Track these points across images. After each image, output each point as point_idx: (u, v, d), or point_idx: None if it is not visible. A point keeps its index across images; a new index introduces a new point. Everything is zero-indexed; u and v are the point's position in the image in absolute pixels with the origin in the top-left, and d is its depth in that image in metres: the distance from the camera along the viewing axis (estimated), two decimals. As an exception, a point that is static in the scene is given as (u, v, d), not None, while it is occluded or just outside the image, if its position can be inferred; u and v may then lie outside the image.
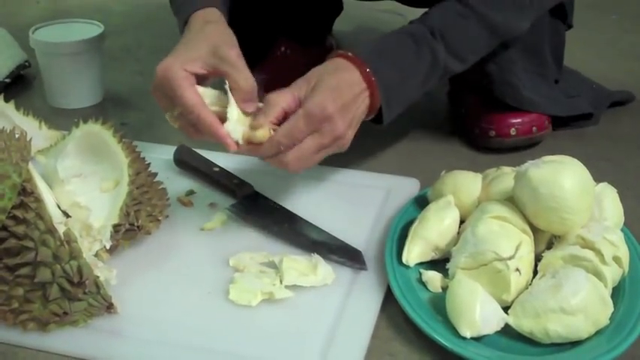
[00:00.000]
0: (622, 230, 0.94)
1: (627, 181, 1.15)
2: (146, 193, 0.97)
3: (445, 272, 0.91)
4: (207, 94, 0.95)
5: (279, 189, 1.10)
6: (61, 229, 0.83)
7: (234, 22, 1.13)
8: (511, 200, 0.93)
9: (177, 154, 1.16)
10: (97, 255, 0.91)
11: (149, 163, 1.02)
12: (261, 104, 0.95)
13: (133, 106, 1.41)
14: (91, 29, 1.40)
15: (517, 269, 0.86)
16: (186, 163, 1.15)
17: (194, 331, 0.86)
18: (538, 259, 0.90)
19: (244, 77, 0.95)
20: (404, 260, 0.93)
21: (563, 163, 0.89)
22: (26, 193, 0.83)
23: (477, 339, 0.83)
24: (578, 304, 0.81)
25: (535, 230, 0.91)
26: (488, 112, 1.25)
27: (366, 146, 1.23)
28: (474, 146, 1.27)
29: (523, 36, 1.17)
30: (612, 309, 0.84)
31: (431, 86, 1.07)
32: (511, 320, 0.83)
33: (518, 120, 1.23)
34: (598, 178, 0.94)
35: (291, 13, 1.42)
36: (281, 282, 0.91)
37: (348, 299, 0.90)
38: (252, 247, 0.99)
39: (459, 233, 0.95)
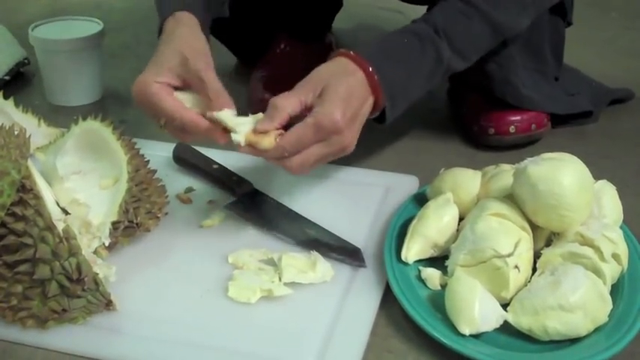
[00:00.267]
0: (621, 227, 0.94)
1: (626, 178, 1.15)
2: (145, 190, 0.97)
3: (444, 269, 0.91)
4: (186, 98, 0.95)
5: (278, 186, 1.10)
6: (60, 226, 0.83)
7: (234, 20, 1.13)
8: (510, 197, 0.93)
9: (177, 151, 1.16)
10: (96, 252, 0.91)
11: (148, 161, 1.01)
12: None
13: (132, 104, 1.39)
14: (91, 26, 1.40)
15: (516, 266, 0.86)
16: (186, 160, 1.15)
17: (193, 328, 0.86)
18: (537, 256, 0.90)
19: (213, 90, 0.93)
20: (403, 257, 0.93)
21: (563, 161, 0.89)
22: (25, 190, 0.83)
23: (476, 336, 0.83)
24: (577, 302, 0.81)
25: (534, 227, 0.91)
26: (487, 110, 1.25)
27: (366, 144, 1.22)
28: (473, 144, 1.27)
29: (523, 33, 1.17)
30: (611, 306, 0.84)
31: (434, 85, 1.07)
32: (510, 317, 0.83)
33: (518, 118, 1.23)
34: (597, 176, 0.94)
35: (291, 10, 1.42)
36: (280, 279, 0.91)
37: (347, 296, 0.90)
38: (251, 244, 0.99)
39: (458, 230, 0.95)
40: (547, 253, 0.89)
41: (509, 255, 0.86)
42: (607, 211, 0.94)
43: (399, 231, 0.98)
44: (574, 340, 0.83)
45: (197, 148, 1.16)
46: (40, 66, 1.41)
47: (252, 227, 1.03)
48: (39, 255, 0.82)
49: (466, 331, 0.82)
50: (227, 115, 0.92)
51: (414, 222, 0.96)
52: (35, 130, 1.16)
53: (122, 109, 1.40)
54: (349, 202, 1.08)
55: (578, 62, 1.42)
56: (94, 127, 0.99)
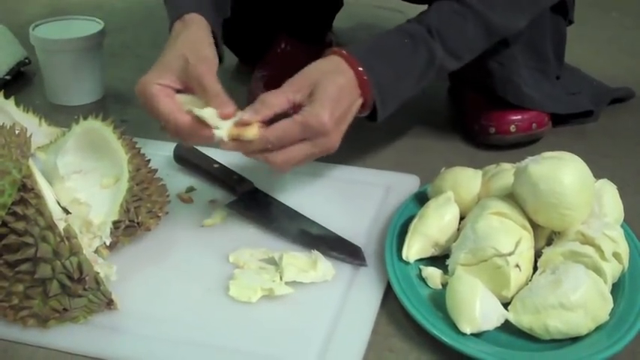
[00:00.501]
0: (622, 226, 0.94)
1: (627, 177, 1.15)
2: (146, 189, 0.97)
3: (445, 268, 0.91)
4: (188, 100, 0.95)
5: (279, 185, 1.10)
6: (61, 226, 0.83)
7: (234, 19, 1.13)
8: (511, 196, 0.93)
9: (177, 150, 1.16)
10: (97, 251, 0.91)
11: (149, 160, 1.02)
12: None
13: (133, 103, 1.41)
14: (91, 26, 1.40)
15: (517, 265, 0.86)
16: (186, 159, 1.15)
17: (194, 327, 0.86)
18: (538, 255, 0.90)
19: (212, 92, 0.93)
20: (404, 256, 0.93)
21: (563, 159, 0.89)
22: (26, 189, 0.83)
23: (477, 335, 0.83)
24: (578, 300, 0.81)
25: (535, 226, 0.91)
26: (488, 109, 1.25)
27: (366, 143, 1.23)
28: (473, 143, 1.27)
29: (524, 32, 1.17)
30: (612, 305, 0.84)
31: (426, 84, 1.07)
32: (511, 316, 0.83)
33: (518, 117, 1.23)
34: (598, 175, 0.94)
35: (291, 10, 1.42)
36: (281, 278, 0.91)
37: (348, 295, 0.90)
38: (252, 243, 0.99)
39: (458, 229, 0.95)
40: (548, 252, 0.89)
41: (510, 254, 0.86)
42: (608, 209, 0.94)
43: (400, 230, 0.98)
44: (575, 339, 0.83)
45: (198, 147, 1.16)
46: (40, 65, 1.42)
47: (253, 226, 1.03)
48: (40, 254, 0.82)
49: (467, 330, 0.82)
50: (209, 113, 0.92)
51: (414, 221, 0.96)
52: (36, 129, 1.16)
53: (123, 108, 1.40)
54: (350, 201, 1.08)
55: (578, 61, 1.42)
56: (94, 126, 0.99)
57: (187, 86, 0.96)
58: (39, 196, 0.83)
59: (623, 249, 0.89)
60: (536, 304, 0.82)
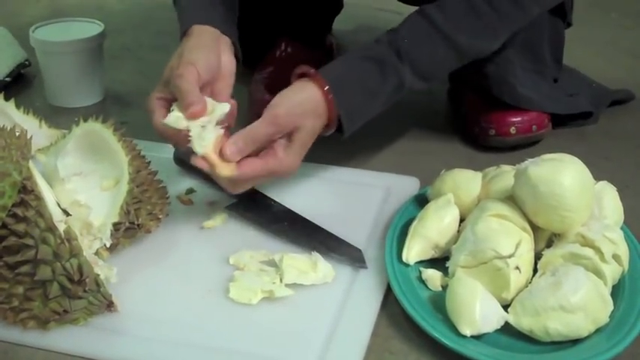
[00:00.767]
0: (622, 228, 0.94)
1: (627, 179, 1.15)
2: (146, 191, 0.97)
3: (445, 270, 0.91)
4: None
5: (279, 187, 1.10)
6: (61, 227, 0.83)
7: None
8: (511, 198, 0.93)
9: (178, 153, 1.16)
10: (97, 253, 0.91)
11: (149, 162, 1.02)
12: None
13: (133, 105, 1.41)
14: (92, 28, 1.40)
15: (517, 267, 0.86)
16: (187, 161, 1.15)
17: (194, 329, 0.86)
18: (538, 257, 0.90)
19: (182, 92, 0.94)
20: (404, 258, 0.93)
21: (563, 162, 0.89)
22: (26, 191, 0.83)
23: (477, 337, 0.83)
24: (578, 302, 0.81)
25: (535, 228, 0.91)
26: (488, 111, 1.25)
27: (366, 145, 1.23)
28: (473, 145, 1.27)
29: (521, 34, 1.17)
30: (612, 307, 0.84)
31: (391, 103, 1.08)
32: (511, 318, 0.83)
33: (518, 119, 1.23)
34: (598, 177, 0.94)
35: (292, 12, 1.42)
36: (281, 280, 0.91)
37: (348, 297, 0.90)
38: (252, 245, 0.99)
39: (458, 231, 0.95)
40: (548, 254, 0.89)
41: (510, 256, 0.86)
42: (608, 211, 0.94)
43: (400, 232, 0.98)
44: (575, 341, 0.83)
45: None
46: (40, 67, 1.42)
47: (253, 228, 1.03)
48: (40, 256, 0.82)
49: (467, 332, 0.82)
50: (174, 120, 0.94)
51: (414, 223, 0.96)
52: (36, 131, 1.16)
53: (123, 110, 1.40)
54: (350, 203, 1.08)
55: (578, 63, 1.42)
56: (95, 128, 0.99)
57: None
58: (39, 198, 0.83)
59: (623, 251, 0.89)
60: (536, 306, 0.82)
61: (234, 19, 1.12)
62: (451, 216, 0.95)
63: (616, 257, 0.88)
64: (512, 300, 0.85)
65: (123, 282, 0.90)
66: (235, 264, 0.95)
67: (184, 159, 1.15)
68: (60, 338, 0.85)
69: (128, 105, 1.41)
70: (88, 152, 1.01)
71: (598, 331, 0.83)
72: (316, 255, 0.94)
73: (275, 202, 1.07)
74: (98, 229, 0.92)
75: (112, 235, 0.92)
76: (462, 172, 1.02)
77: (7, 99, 1.19)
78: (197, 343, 0.84)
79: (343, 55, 1.07)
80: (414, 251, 0.94)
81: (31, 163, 0.87)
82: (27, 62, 1.52)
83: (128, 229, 0.95)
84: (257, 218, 1.04)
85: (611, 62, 1.62)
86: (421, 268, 0.93)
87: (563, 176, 0.87)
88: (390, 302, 0.91)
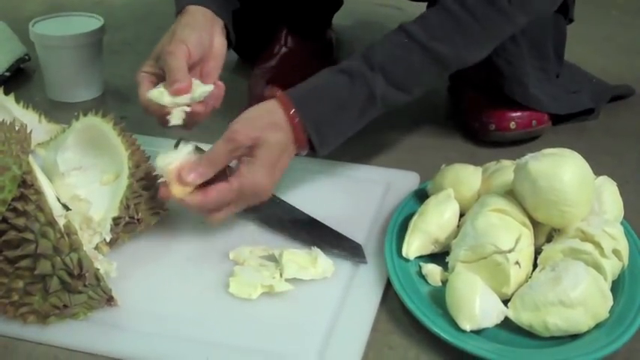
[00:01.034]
0: (621, 223, 0.94)
1: (627, 174, 1.15)
2: (146, 186, 0.97)
3: (445, 265, 0.91)
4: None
5: (279, 182, 1.10)
6: (61, 222, 0.83)
7: (234, 17, 1.13)
8: (511, 193, 0.93)
9: (177, 147, 1.16)
10: (97, 248, 0.91)
11: (149, 156, 1.01)
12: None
13: (132, 100, 1.40)
14: (91, 22, 1.40)
15: (517, 262, 0.86)
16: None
17: (194, 323, 0.86)
18: (538, 252, 0.90)
19: (168, 68, 0.97)
20: (404, 253, 0.93)
21: (563, 156, 0.89)
22: (26, 185, 0.83)
23: (477, 332, 0.83)
24: (578, 297, 0.81)
25: (535, 223, 0.91)
26: (488, 106, 1.25)
27: (366, 140, 1.23)
28: (474, 140, 1.27)
29: (529, 31, 1.17)
30: (612, 302, 0.84)
31: (372, 116, 1.04)
32: (511, 313, 0.83)
33: (518, 114, 1.23)
34: (598, 172, 0.94)
35: (292, 7, 1.42)
36: (281, 275, 0.91)
37: (348, 292, 0.90)
38: (252, 240, 0.99)
39: (458, 226, 0.95)
40: (548, 249, 0.89)
41: (509, 251, 0.86)
42: (607, 207, 0.94)
43: (400, 227, 0.98)
44: (574, 336, 0.83)
45: (198, 144, 1.16)
46: (40, 62, 1.41)
47: (253, 223, 1.03)
48: (40, 250, 0.82)
49: (467, 326, 0.82)
50: (158, 95, 0.96)
51: (414, 218, 0.96)
52: (36, 126, 1.16)
53: (123, 105, 1.40)
54: (350, 198, 1.08)
55: (578, 59, 1.42)
56: (94, 122, 0.99)
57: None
58: (39, 192, 0.83)
59: (623, 246, 0.89)
60: (536, 301, 0.82)
61: (229, 3, 1.12)
62: (451, 211, 0.95)
63: (616, 252, 0.88)
64: (511, 295, 0.85)
65: (123, 276, 0.90)
66: (235, 259, 0.95)
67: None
68: (60, 333, 0.85)
69: (128, 99, 1.41)
70: (88, 147, 1.01)
71: (598, 326, 0.83)
72: (316, 250, 0.94)
73: (275, 196, 1.07)
74: (98, 223, 0.92)
75: (111, 229, 0.92)
76: (462, 167, 1.02)
77: (6, 93, 1.19)
78: (197, 337, 0.84)
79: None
80: (414, 246, 0.94)
81: (30, 158, 0.87)
82: (26, 57, 1.51)
83: (128, 224, 0.95)
84: (257, 213, 1.03)
85: (611, 58, 1.62)
86: (421, 263, 0.93)
87: (563, 171, 0.87)
88: (389, 297, 0.91)
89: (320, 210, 1.04)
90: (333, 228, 1.00)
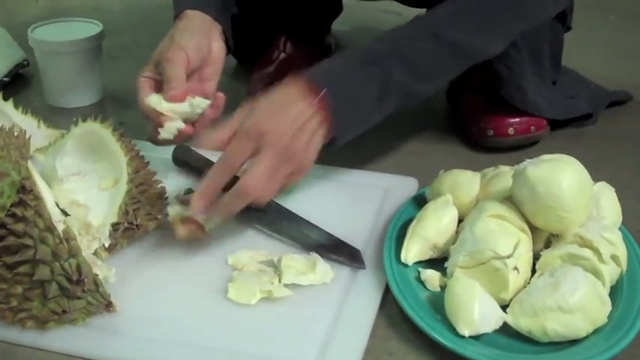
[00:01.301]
0: (620, 229, 0.94)
1: (625, 180, 1.16)
2: (145, 191, 0.97)
3: (444, 271, 0.91)
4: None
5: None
6: (60, 228, 0.83)
7: (233, 22, 1.14)
8: (509, 199, 0.93)
9: (176, 152, 1.16)
10: (95, 253, 0.91)
11: (148, 162, 1.02)
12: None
13: (131, 105, 1.40)
14: (90, 28, 1.40)
15: (515, 268, 0.86)
16: (185, 161, 1.15)
17: (193, 329, 0.86)
18: (536, 257, 0.90)
19: (165, 75, 0.99)
20: (402, 259, 0.93)
21: (562, 162, 0.89)
22: (25, 191, 0.83)
23: (476, 338, 0.83)
24: (577, 303, 0.81)
25: (533, 229, 0.91)
26: (486, 112, 1.25)
27: (365, 146, 1.23)
28: (472, 146, 1.27)
29: (527, 38, 1.17)
30: (610, 307, 0.84)
31: (390, 109, 1.02)
32: (509, 319, 0.83)
33: (517, 119, 1.23)
34: (596, 177, 0.94)
35: (291, 14, 1.42)
36: (280, 281, 0.91)
37: (346, 298, 0.90)
38: (250, 245, 0.99)
39: (457, 232, 0.95)
40: (546, 255, 0.89)
41: (508, 256, 0.86)
42: (606, 212, 0.94)
43: (399, 232, 0.98)
44: (573, 342, 0.83)
45: (197, 150, 1.16)
46: (39, 67, 1.41)
47: (252, 228, 1.03)
48: (39, 256, 0.82)
49: (465, 332, 0.82)
50: (156, 101, 0.98)
51: (413, 223, 0.96)
52: (35, 131, 1.16)
53: (122, 110, 1.40)
54: (349, 203, 1.09)
55: (576, 64, 1.42)
56: (93, 128, 0.99)
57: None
58: (38, 197, 0.83)
59: (622, 252, 0.89)
60: (535, 306, 0.82)
61: (228, 9, 1.12)
62: (450, 216, 0.96)
63: (614, 258, 0.88)
64: (510, 300, 0.85)
65: (121, 282, 0.90)
66: (234, 264, 0.95)
67: (184, 159, 1.15)
68: (58, 338, 0.85)
69: (127, 105, 1.41)
70: (87, 152, 1.01)
71: (596, 331, 0.83)
72: (315, 255, 0.94)
73: (273, 202, 1.07)
74: (97, 229, 0.92)
75: (110, 235, 0.92)
76: (460, 172, 1.02)
77: (5, 99, 1.19)
78: (195, 343, 0.84)
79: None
80: (413, 252, 0.94)
81: (29, 163, 0.87)
82: (25, 62, 1.52)
83: (127, 230, 0.95)
84: (255, 218, 1.03)
85: (610, 64, 1.62)
86: (420, 269, 0.93)
87: (561, 177, 0.87)
88: (388, 303, 0.91)
89: (318, 215, 1.04)
90: (332, 233, 1.00)
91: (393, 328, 0.88)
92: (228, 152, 0.91)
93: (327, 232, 1.01)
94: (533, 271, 0.89)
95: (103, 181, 1.00)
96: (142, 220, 0.96)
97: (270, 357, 0.82)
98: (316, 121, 0.95)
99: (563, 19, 1.28)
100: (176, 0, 1.11)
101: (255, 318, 0.88)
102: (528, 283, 0.87)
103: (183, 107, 0.98)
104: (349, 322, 0.86)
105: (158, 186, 1.01)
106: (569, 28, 1.32)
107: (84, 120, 1.01)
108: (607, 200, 0.95)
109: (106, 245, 0.92)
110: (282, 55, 1.42)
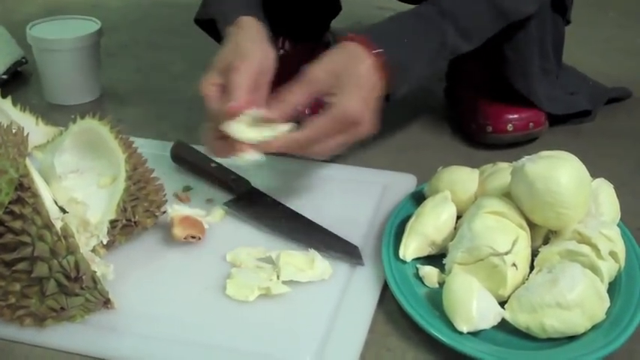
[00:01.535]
0: (618, 225, 0.94)
1: (623, 176, 1.16)
2: (143, 188, 0.97)
3: (442, 267, 0.91)
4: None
5: (275, 185, 1.10)
6: (58, 225, 0.83)
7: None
8: (508, 196, 0.93)
9: (175, 150, 1.16)
10: (94, 250, 0.91)
11: (146, 159, 1.01)
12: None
13: (130, 102, 1.41)
14: (88, 25, 1.40)
15: (513, 264, 0.86)
16: (184, 159, 1.15)
17: (191, 326, 0.86)
18: (534, 254, 0.90)
19: (231, 84, 0.96)
20: (401, 255, 0.93)
21: (560, 159, 0.89)
22: (23, 188, 0.83)
23: (474, 334, 0.83)
24: (575, 299, 0.81)
25: (531, 225, 0.91)
26: (485, 108, 1.25)
27: (363, 142, 1.23)
28: (470, 142, 1.27)
29: (534, 29, 1.18)
30: (608, 304, 0.84)
31: (437, 67, 1.08)
32: (507, 315, 0.83)
33: (515, 116, 1.23)
34: (594, 174, 0.95)
35: (290, 14, 1.42)
36: (278, 277, 0.91)
37: (345, 294, 0.90)
38: (249, 242, 0.99)
39: (455, 228, 0.95)
40: (544, 251, 0.89)
41: (506, 253, 0.86)
42: (604, 209, 0.94)
43: (397, 229, 0.98)
44: (572, 338, 0.83)
45: (195, 146, 1.16)
46: (37, 65, 1.41)
47: (250, 225, 1.03)
48: (37, 253, 0.82)
49: (464, 328, 0.82)
50: (239, 130, 0.94)
51: (411, 220, 0.96)
52: (33, 128, 1.15)
53: (120, 107, 1.40)
54: (347, 200, 1.09)
55: (575, 61, 1.42)
56: (91, 125, 0.99)
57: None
58: (36, 195, 0.83)
59: (620, 248, 0.89)
60: (533, 302, 0.82)
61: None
62: (448, 213, 0.96)
63: (612, 254, 0.88)
64: (508, 297, 0.85)
65: (120, 279, 0.90)
66: (232, 261, 0.95)
67: (182, 156, 1.15)
68: (57, 335, 0.85)
69: (125, 102, 1.41)
70: (85, 150, 1.01)
71: (594, 327, 0.83)
72: (313, 252, 0.94)
73: (272, 198, 1.07)
74: (95, 226, 0.92)
75: (108, 232, 0.92)
76: (458, 169, 1.02)
77: (3, 96, 1.19)
78: (194, 340, 0.84)
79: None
80: (411, 248, 0.94)
81: (27, 161, 0.87)
82: (24, 60, 1.52)
83: (125, 227, 0.95)
84: (254, 215, 1.04)
85: (608, 60, 1.62)
86: (418, 265, 0.93)
87: (559, 173, 0.87)
88: (387, 299, 0.91)
89: (317, 212, 1.04)
90: (330, 230, 1.00)
91: (391, 325, 0.88)
92: (321, 131, 0.93)
93: (326, 229, 1.01)
94: (532, 268, 0.89)
95: (102, 178, 1.00)
96: (140, 218, 0.96)
97: (269, 354, 0.82)
98: (379, 91, 0.99)
99: (563, 12, 1.28)
100: (222, 7, 1.11)
101: (254, 315, 0.88)
102: (526, 279, 0.87)
103: (267, 132, 0.95)
104: (348, 319, 0.86)
105: (156, 183, 1.01)
106: (568, 22, 1.31)
107: (82, 117, 1.01)
108: (605, 197, 0.95)
109: (104, 242, 0.92)
110: (281, 52, 1.42)
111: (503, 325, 0.84)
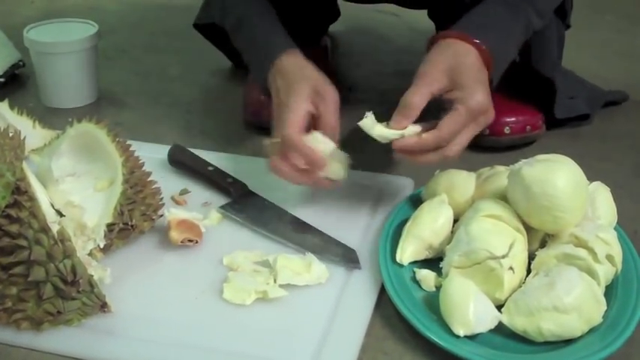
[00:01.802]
0: (615, 229, 0.94)
1: (620, 180, 1.16)
2: (140, 192, 0.97)
3: (439, 271, 0.91)
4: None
5: (272, 188, 1.10)
6: (54, 228, 0.83)
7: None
8: (505, 199, 0.93)
9: (172, 153, 1.16)
10: (90, 254, 0.91)
11: (143, 163, 1.01)
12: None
13: (127, 106, 1.41)
14: (86, 29, 1.40)
15: (510, 268, 0.86)
16: (181, 162, 1.15)
17: (188, 330, 0.86)
18: (531, 257, 0.90)
19: (322, 120, 1.01)
20: (398, 259, 0.93)
21: (557, 162, 0.89)
22: (20, 191, 0.83)
23: (471, 337, 0.83)
24: (572, 303, 0.81)
25: (528, 229, 0.91)
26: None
27: (360, 146, 1.23)
28: (468, 145, 1.27)
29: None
30: (605, 307, 0.84)
31: (518, 48, 1.11)
32: (504, 319, 0.83)
33: (512, 119, 1.23)
34: (591, 177, 0.95)
35: (288, 18, 1.42)
36: (275, 281, 0.91)
37: (342, 298, 0.90)
38: (246, 246, 0.99)
39: (452, 232, 0.95)
40: (541, 255, 0.89)
41: (503, 256, 0.86)
42: (601, 212, 0.94)
43: (394, 233, 0.98)
44: (568, 341, 0.83)
45: (192, 150, 1.16)
46: (34, 68, 1.41)
47: (247, 229, 1.03)
48: (34, 257, 0.82)
49: (461, 332, 0.82)
50: (377, 129, 0.99)
51: (408, 223, 0.96)
52: (30, 132, 1.16)
53: (117, 111, 1.40)
54: (344, 203, 1.08)
55: (573, 64, 1.42)
56: (89, 129, 0.99)
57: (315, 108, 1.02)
58: (33, 198, 0.83)
59: (617, 251, 0.89)
60: (530, 306, 0.82)
61: None
62: (445, 216, 0.96)
63: (609, 258, 0.88)
64: (505, 300, 0.85)
65: (116, 283, 0.90)
66: (229, 265, 0.95)
67: (179, 159, 1.15)
68: (53, 339, 0.85)
69: (122, 106, 1.41)
70: (82, 153, 1.01)
71: (591, 331, 0.83)
72: (310, 256, 0.94)
73: (269, 202, 1.07)
74: (92, 229, 0.92)
75: (105, 235, 0.92)
76: (456, 172, 1.02)
77: (0, 99, 1.19)
78: (191, 343, 0.84)
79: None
80: (408, 252, 0.94)
81: (24, 164, 0.87)
82: (21, 63, 1.51)
83: (122, 230, 0.95)
84: (251, 219, 1.04)
85: (606, 64, 1.62)
86: (415, 269, 0.93)
87: (556, 177, 0.87)
88: (384, 303, 0.91)
89: (314, 215, 1.04)
90: (327, 233, 1.00)
91: (388, 328, 0.88)
92: (457, 127, 0.97)
93: (323, 232, 1.01)
94: (529, 271, 0.89)
95: (99, 181, 1.00)
96: (137, 221, 0.96)
97: (266, 357, 0.82)
98: (486, 74, 1.03)
99: (563, 17, 1.28)
100: (269, 40, 1.15)
101: (251, 318, 0.88)
102: (523, 282, 0.87)
103: (395, 134, 0.98)
104: (345, 322, 0.86)
105: (153, 186, 1.01)
106: (568, 26, 1.32)
107: (79, 121, 1.01)
108: (602, 200, 0.96)
109: (101, 246, 0.92)
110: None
111: (501, 329, 0.84)
